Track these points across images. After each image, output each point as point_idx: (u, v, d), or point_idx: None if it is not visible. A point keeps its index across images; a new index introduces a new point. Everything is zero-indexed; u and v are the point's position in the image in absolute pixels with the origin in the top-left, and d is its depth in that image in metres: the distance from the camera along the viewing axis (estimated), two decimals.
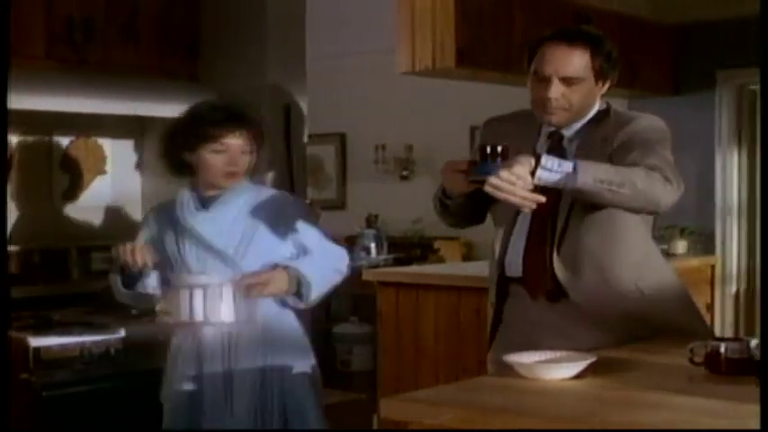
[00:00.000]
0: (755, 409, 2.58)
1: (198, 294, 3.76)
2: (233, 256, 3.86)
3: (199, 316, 3.76)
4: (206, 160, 3.88)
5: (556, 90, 3.53)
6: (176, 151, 3.97)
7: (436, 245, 9.58)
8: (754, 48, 7.47)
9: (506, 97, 7.21)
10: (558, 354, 3.07)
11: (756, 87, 7.83)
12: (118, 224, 5.59)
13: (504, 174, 3.06)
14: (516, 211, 3.50)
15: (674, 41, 7.78)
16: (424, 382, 5.51)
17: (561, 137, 3.65)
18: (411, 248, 9.78)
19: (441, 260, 9.29)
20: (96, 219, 5.62)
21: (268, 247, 3.90)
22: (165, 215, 4.00)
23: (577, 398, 2.73)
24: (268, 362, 3.88)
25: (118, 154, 5.74)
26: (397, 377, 5.98)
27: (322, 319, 7.38)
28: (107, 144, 5.70)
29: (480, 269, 5.93)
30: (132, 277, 3.90)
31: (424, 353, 5.94)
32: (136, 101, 5.10)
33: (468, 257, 9.25)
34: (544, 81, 3.55)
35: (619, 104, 8.00)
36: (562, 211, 3.55)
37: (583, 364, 2.92)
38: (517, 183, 3.06)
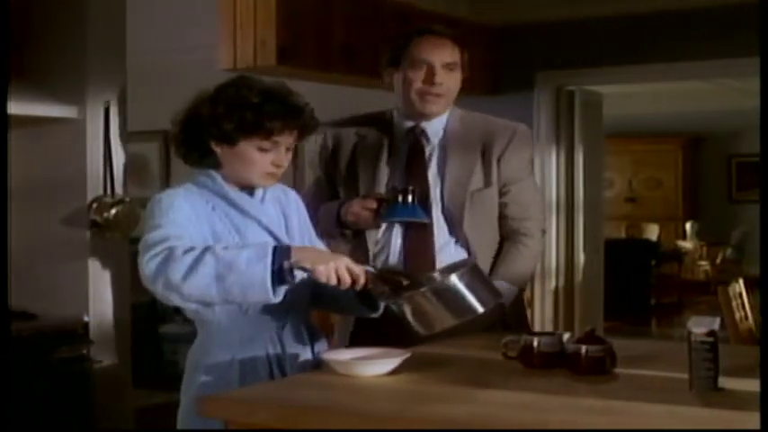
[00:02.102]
0: (563, 400, 2.65)
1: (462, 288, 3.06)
2: None
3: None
4: (247, 156, 3.15)
5: (440, 77, 3.77)
6: (203, 139, 3.20)
7: None
8: (572, 50, 7.70)
9: (328, 96, 7.26)
10: (373, 350, 3.09)
11: (574, 88, 8.00)
12: None
13: None
14: None
15: (494, 42, 7.89)
16: None
17: (422, 130, 3.85)
18: None
19: None
20: None
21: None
22: (200, 203, 3.19)
23: (391, 394, 2.76)
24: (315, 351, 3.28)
25: None
26: None
27: (148, 319, 7.28)
28: None
29: None
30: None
31: None
32: None
33: None
34: (423, 70, 3.77)
35: None
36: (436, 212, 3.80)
37: (397, 361, 2.95)
38: None
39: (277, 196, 3.32)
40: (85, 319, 5.34)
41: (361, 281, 3.03)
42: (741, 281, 6.07)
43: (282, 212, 3.33)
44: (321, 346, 3.34)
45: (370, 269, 3.24)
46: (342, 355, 3.05)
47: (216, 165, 3.23)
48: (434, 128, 3.87)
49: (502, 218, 3.89)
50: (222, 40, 5.93)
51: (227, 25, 5.92)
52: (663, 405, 2.55)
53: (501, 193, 3.86)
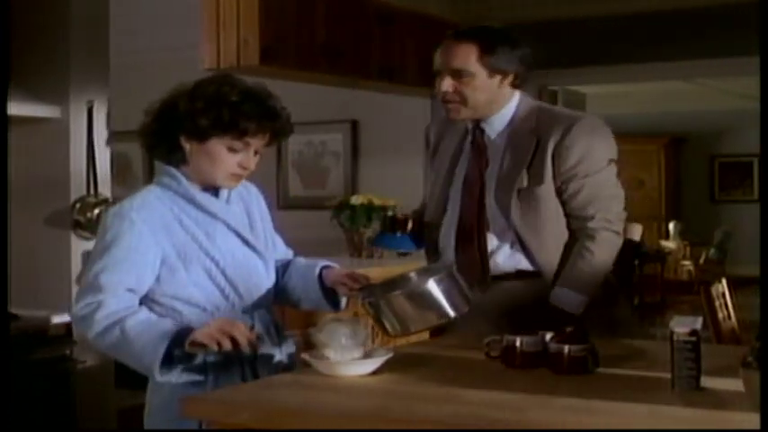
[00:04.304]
0: (545, 400, 2.65)
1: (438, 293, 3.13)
2: (264, 254, 3.32)
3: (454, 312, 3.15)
4: (216, 154, 3.12)
5: (446, 83, 3.68)
6: (175, 133, 3.16)
7: None
8: (554, 50, 7.71)
9: (311, 96, 7.26)
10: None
11: (556, 88, 8.02)
12: None
13: None
14: (444, 204, 3.81)
15: None
16: None
17: (482, 131, 3.77)
18: None
19: None
20: None
21: (280, 245, 3.51)
22: (160, 212, 3.15)
23: (371, 394, 2.76)
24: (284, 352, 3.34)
25: None
26: None
27: None
28: None
29: None
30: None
31: None
32: None
33: None
34: (438, 76, 3.71)
35: (422, 104, 8.05)
36: (489, 203, 3.70)
37: (379, 361, 2.95)
38: None
39: (240, 193, 3.33)
40: (68, 319, 5.32)
41: (244, 347, 3.01)
42: (724, 281, 6.07)
43: (246, 210, 3.34)
44: (289, 346, 3.36)
45: (332, 265, 3.41)
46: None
47: (180, 161, 3.20)
48: (493, 126, 3.74)
49: (566, 217, 3.71)
50: (205, 40, 5.93)
51: (210, 25, 5.92)
52: (645, 404, 2.56)
53: (559, 191, 3.67)
